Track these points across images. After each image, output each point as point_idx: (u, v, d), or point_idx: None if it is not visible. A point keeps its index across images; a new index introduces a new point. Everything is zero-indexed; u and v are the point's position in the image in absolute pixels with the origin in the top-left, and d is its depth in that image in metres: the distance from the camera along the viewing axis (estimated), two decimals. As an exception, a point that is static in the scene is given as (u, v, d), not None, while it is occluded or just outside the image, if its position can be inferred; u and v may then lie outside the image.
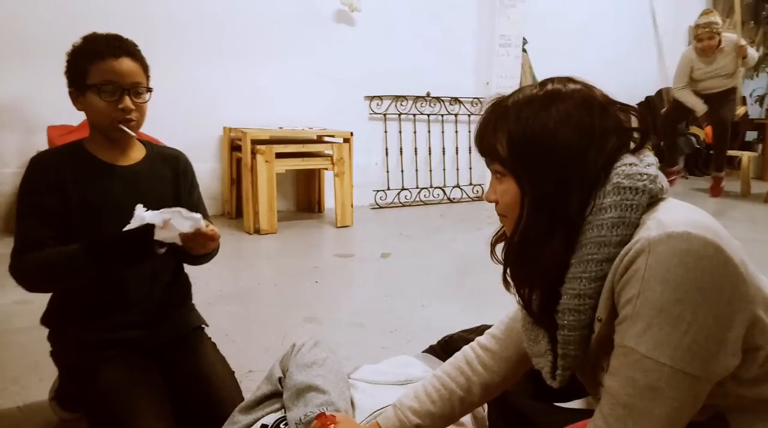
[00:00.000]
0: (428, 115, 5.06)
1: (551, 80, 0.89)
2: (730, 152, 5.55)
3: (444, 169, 5.16)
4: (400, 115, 4.93)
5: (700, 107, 4.94)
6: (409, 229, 4.05)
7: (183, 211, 1.17)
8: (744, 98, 5.66)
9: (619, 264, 0.78)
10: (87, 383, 1.26)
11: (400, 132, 4.94)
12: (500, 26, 5.11)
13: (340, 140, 4.06)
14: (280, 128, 4.12)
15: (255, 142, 3.74)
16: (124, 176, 1.34)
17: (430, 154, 5.08)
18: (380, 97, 4.82)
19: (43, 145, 3.32)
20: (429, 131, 5.07)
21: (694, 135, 6.48)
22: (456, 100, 5.17)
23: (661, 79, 6.73)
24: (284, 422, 1.14)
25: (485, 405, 1.28)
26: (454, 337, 1.64)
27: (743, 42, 4.82)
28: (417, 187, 5.00)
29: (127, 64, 1.26)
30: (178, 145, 1.58)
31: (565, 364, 0.88)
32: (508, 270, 0.92)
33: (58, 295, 1.37)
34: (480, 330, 1.63)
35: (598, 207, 0.81)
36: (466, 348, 1.16)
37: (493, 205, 0.93)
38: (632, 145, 0.87)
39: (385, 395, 1.23)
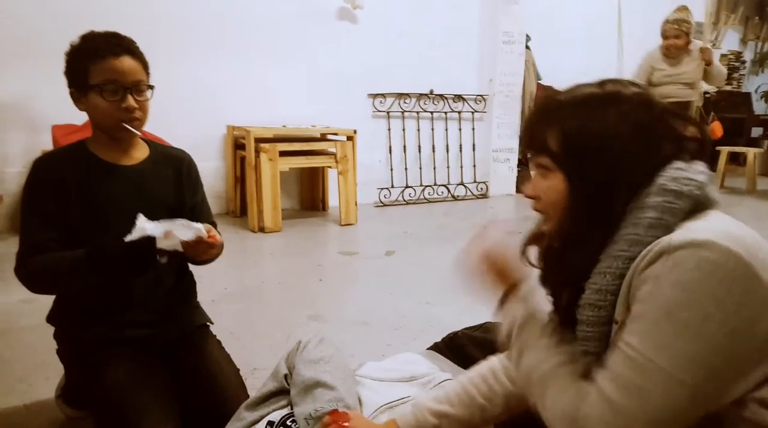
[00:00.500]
0: (432, 113, 5.05)
1: (610, 80, 0.88)
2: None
3: (448, 167, 5.16)
4: (403, 112, 4.92)
5: None
6: (414, 227, 4.05)
7: (184, 221, 1.18)
8: (713, 116, 4.92)
9: (639, 264, 0.77)
10: (93, 381, 1.26)
11: (404, 129, 4.94)
12: (503, 23, 5.10)
13: (344, 138, 4.07)
14: (284, 126, 4.12)
15: (259, 140, 3.74)
16: (127, 176, 1.34)
17: (433, 151, 5.07)
18: (383, 95, 4.81)
19: (48, 145, 3.33)
20: (432, 129, 5.06)
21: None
22: (459, 98, 5.16)
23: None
24: (290, 418, 1.14)
25: None
26: (458, 334, 1.64)
27: (708, 45, 4.45)
28: (421, 185, 5.00)
29: (127, 62, 1.26)
30: (181, 143, 1.59)
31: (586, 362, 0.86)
32: (544, 270, 0.91)
33: (64, 294, 1.37)
34: (484, 327, 1.63)
35: (639, 206, 0.80)
36: (492, 358, 1.14)
37: (529, 201, 0.91)
38: (687, 156, 0.85)
39: (390, 392, 1.23)
